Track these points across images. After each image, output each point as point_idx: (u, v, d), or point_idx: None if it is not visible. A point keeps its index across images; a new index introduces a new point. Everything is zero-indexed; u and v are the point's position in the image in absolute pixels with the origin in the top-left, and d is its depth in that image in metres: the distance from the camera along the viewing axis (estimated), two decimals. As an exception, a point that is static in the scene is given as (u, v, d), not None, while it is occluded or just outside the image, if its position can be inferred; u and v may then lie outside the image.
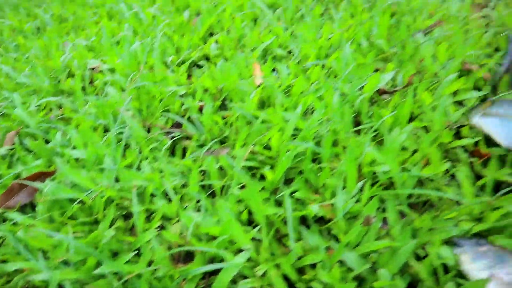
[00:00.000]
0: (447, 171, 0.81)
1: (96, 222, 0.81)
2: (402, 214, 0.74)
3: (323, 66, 1.17)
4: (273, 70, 1.19)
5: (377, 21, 1.22)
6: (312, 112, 0.97)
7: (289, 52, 1.30)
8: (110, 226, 0.79)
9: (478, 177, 0.79)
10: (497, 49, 1.15)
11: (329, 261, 0.63)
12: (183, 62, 1.32)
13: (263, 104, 1.04)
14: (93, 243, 0.72)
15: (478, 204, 0.68)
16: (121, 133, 0.99)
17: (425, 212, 0.73)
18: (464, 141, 0.84)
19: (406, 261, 0.62)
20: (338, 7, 1.53)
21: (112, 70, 1.35)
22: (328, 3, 1.58)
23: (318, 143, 0.87)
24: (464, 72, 1.04)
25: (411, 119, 0.94)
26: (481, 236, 0.68)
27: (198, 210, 0.79)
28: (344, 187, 0.76)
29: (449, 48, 1.09)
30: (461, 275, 0.62)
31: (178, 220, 0.77)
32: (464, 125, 0.89)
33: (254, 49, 1.29)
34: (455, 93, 1.01)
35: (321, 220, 0.74)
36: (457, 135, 0.89)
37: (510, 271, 0.57)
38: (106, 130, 1.05)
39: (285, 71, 1.11)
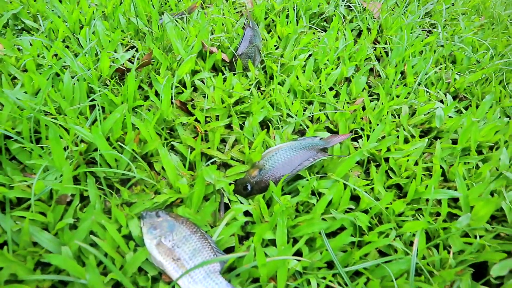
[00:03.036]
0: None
1: None
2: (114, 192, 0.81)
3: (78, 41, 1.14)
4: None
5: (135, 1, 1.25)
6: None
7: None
8: None
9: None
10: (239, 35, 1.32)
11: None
12: None
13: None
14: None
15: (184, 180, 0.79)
16: None
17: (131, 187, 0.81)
18: (184, 119, 0.95)
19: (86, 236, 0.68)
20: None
21: None
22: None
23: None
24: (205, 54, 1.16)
25: (146, 99, 1.02)
26: (171, 205, 0.80)
27: None
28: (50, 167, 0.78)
29: (198, 32, 1.19)
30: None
31: None
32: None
33: (1, 16, 1.17)
34: (196, 73, 1.13)
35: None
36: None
37: (172, 238, 0.70)
38: None
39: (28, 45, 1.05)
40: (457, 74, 1.42)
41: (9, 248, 0.66)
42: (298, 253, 0.76)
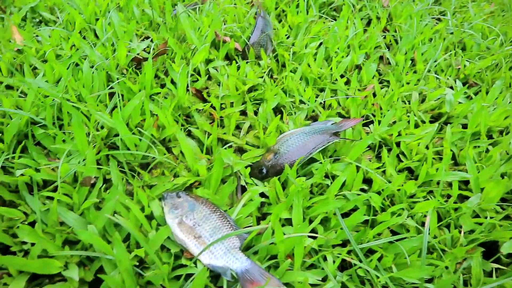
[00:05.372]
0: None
1: None
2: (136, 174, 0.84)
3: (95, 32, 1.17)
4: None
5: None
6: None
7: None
8: None
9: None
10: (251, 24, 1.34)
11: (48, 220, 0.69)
12: None
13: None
14: None
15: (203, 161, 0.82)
16: None
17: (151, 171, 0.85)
18: (200, 105, 0.98)
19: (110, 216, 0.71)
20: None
21: None
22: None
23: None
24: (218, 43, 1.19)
25: (162, 87, 1.05)
26: (189, 188, 0.83)
27: None
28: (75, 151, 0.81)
29: (211, 22, 1.22)
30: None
31: None
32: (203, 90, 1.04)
33: (19, 9, 1.20)
34: (209, 62, 1.15)
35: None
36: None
37: (193, 217, 0.73)
38: None
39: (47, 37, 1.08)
40: (466, 60, 1.42)
41: (38, 226, 0.70)
42: (314, 233, 0.79)
